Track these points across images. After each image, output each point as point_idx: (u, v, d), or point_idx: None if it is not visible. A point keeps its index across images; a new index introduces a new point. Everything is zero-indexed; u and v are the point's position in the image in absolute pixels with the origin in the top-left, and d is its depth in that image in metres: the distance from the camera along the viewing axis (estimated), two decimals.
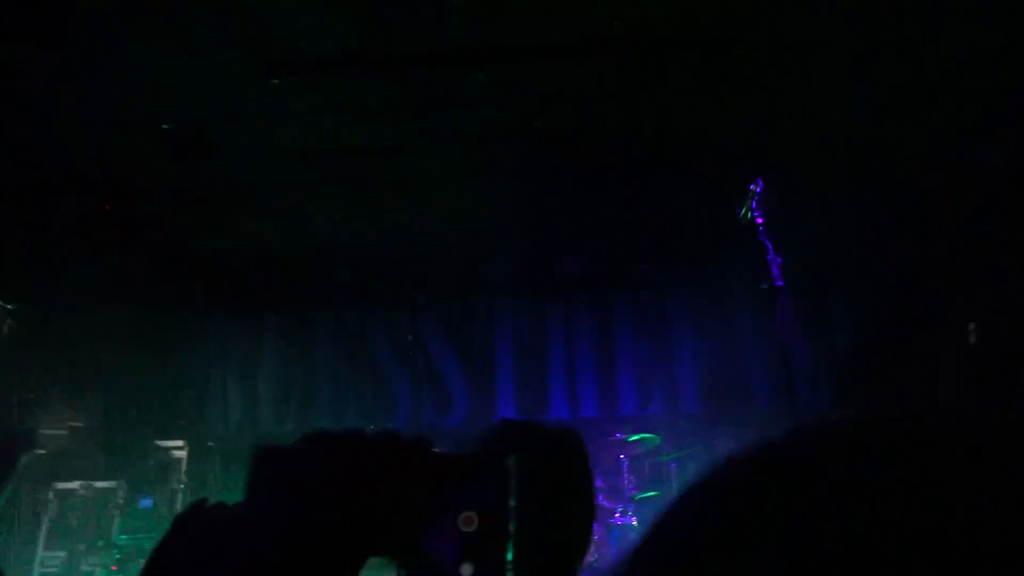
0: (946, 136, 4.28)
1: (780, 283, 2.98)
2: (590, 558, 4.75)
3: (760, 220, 3.13)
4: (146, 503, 4.17)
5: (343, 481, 0.53)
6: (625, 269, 6.08)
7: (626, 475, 4.86)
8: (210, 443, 4.57)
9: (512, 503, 0.54)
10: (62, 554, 3.73)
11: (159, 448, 4.32)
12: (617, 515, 4.72)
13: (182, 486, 4.29)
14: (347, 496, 0.53)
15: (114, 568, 3.77)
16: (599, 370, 6.08)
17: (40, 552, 3.71)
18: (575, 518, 1.38)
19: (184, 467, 4.34)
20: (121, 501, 3.95)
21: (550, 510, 1.40)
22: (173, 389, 5.17)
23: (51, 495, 3.85)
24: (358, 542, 0.52)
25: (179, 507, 4.25)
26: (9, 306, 3.78)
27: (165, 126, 3.86)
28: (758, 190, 3.17)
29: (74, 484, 3.92)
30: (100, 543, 3.79)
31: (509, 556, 0.53)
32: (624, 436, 4.87)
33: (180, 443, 4.38)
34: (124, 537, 3.83)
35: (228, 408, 5.57)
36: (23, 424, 3.98)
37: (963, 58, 3.55)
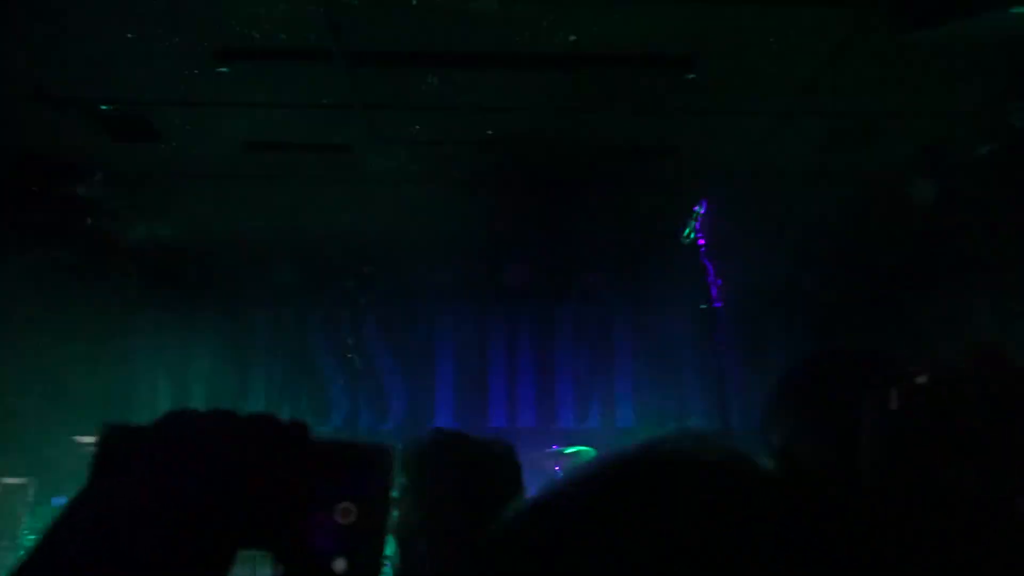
0: (882, 173, 4.49)
1: (719, 304, 3.06)
2: None
3: (702, 241, 3.20)
4: (59, 502, 3.97)
5: (206, 464, 0.49)
6: (568, 281, 6.14)
7: None
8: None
9: (393, 494, 0.52)
10: None
11: (78, 444, 4.12)
12: None
13: None
14: (210, 481, 0.48)
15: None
16: (539, 381, 6.11)
17: None
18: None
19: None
20: (31, 499, 3.75)
21: (470, 514, 1.38)
22: (97, 383, 4.95)
23: None
24: (222, 532, 0.48)
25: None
26: None
27: (103, 107, 3.72)
28: (702, 211, 3.25)
29: None
30: (4, 542, 3.59)
31: (387, 551, 0.51)
32: (560, 448, 4.90)
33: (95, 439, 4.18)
34: (32, 537, 3.64)
35: (156, 404, 5.38)
36: None
37: (898, 105, 3.73)
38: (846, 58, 3.30)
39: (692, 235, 3.30)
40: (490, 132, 4.06)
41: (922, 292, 4.92)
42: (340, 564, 0.49)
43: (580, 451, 4.99)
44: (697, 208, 3.29)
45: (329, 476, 0.51)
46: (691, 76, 3.42)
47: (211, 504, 0.48)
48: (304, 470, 0.51)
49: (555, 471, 4.95)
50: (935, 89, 3.56)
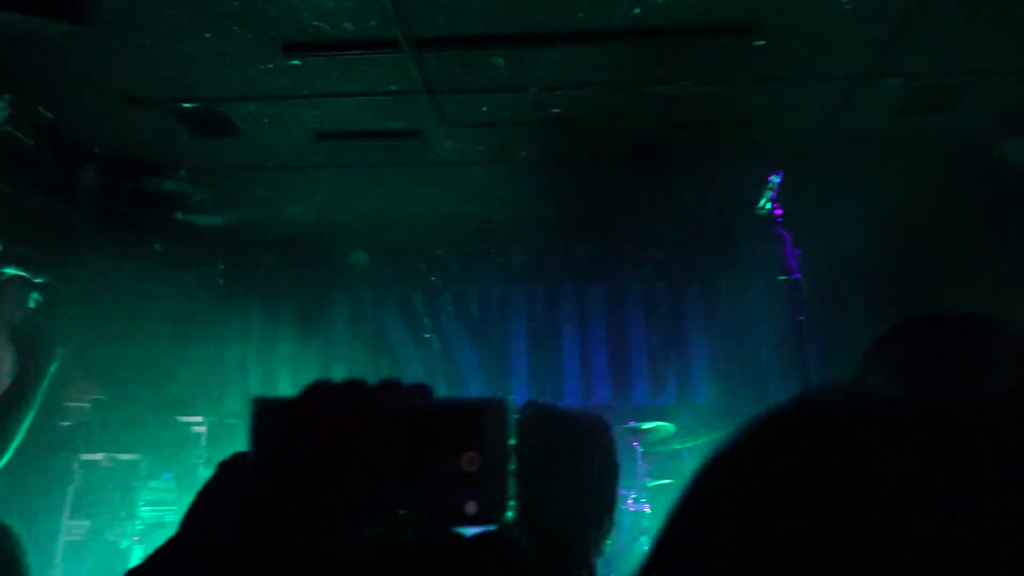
0: (965, 137, 4.23)
1: (797, 275, 2.97)
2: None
3: (778, 212, 3.11)
4: (167, 477, 4.27)
5: (340, 432, 0.54)
6: (640, 256, 6.08)
7: (639, 462, 4.89)
8: (229, 420, 4.66)
9: (512, 443, 0.56)
10: (87, 523, 3.84)
11: (180, 424, 4.42)
12: (630, 502, 4.76)
13: (202, 461, 4.39)
14: (345, 447, 0.53)
15: (136, 539, 3.88)
16: (612, 357, 6.10)
17: (66, 520, 3.83)
18: (590, 495, 1.39)
19: (204, 442, 4.44)
20: (143, 474, 4.06)
21: (560, 473, 1.39)
22: (194, 367, 5.27)
23: (76, 466, 3.96)
24: (369, 491, 0.53)
25: (199, 482, 4.34)
26: (37, 280, 3.87)
27: (185, 105, 3.90)
28: (777, 181, 3.16)
29: (98, 456, 4.02)
30: (123, 514, 3.90)
31: (511, 494, 0.55)
32: (637, 423, 4.90)
33: (200, 419, 4.48)
34: (146, 509, 3.94)
35: (247, 386, 5.67)
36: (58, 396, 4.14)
37: (987, 63, 3.50)
38: (925, 15, 3.13)
39: (768, 206, 3.21)
40: (557, 111, 4.05)
41: (1012, 261, 4.64)
42: (471, 507, 0.54)
43: (658, 426, 4.98)
44: (772, 177, 3.20)
45: (452, 429, 0.56)
46: (760, 43, 3.31)
47: (357, 464, 0.53)
48: (430, 425, 0.56)
49: (633, 446, 4.95)
50: (1021, 46, 3.33)
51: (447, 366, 6.08)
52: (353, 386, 0.59)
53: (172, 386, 4.68)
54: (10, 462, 3.78)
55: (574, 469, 1.41)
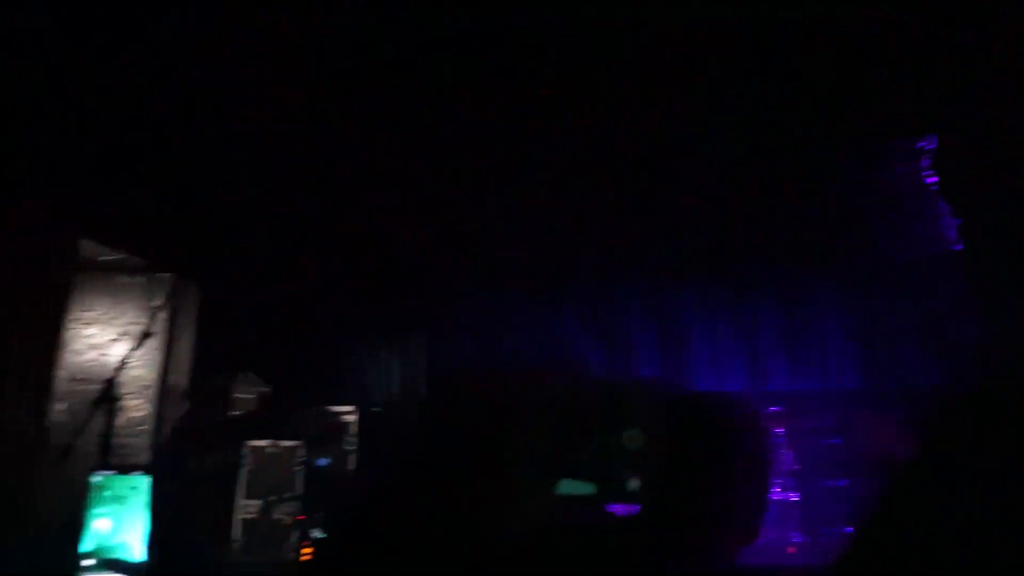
0: None
1: (958, 247, 2.79)
2: None
3: (932, 180, 2.93)
4: (322, 462, 4.61)
5: (514, 410, 0.56)
6: (765, 238, 5.85)
7: (783, 451, 4.75)
8: (374, 408, 4.95)
9: (670, 423, 0.58)
10: (258, 502, 4.22)
11: (332, 413, 4.76)
12: (776, 491, 4.63)
13: (353, 447, 4.70)
14: (519, 424, 0.55)
15: (300, 517, 4.22)
16: (745, 343, 5.93)
17: (240, 500, 4.22)
18: (737, 482, 1.38)
19: (354, 430, 4.74)
20: (303, 459, 4.40)
21: (709, 459, 1.38)
22: (343, 360, 5.65)
23: (246, 451, 4.35)
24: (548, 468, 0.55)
25: (351, 466, 4.65)
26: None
27: None
28: (930, 147, 2.97)
29: (264, 442, 4.40)
30: (288, 495, 4.25)
31: (669, 472, 0.57)
32: (779, 410, 4.75)
33: (350, 408, 4.79)
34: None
35: (390, 377, 5.98)
36: (223, 387, 4.58)
37: None
38: None
39: (919, 174, 3.03)
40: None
41: None
42: (633, 484, 0.57)
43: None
44: (924, 144, 3.01)
45: (611, 409, 0.58)
46: None
47: (530, 440, 0.56)
48: (595, 406, 0.57)
49: (775, 434, 4.81)
50: None
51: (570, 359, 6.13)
52: (522, 366, 0.62)
53: (325, 380, 5.03)
54: (195, 449, 4.20)
55: (718, 463, 1.39)
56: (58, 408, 4.11)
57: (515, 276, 6.29)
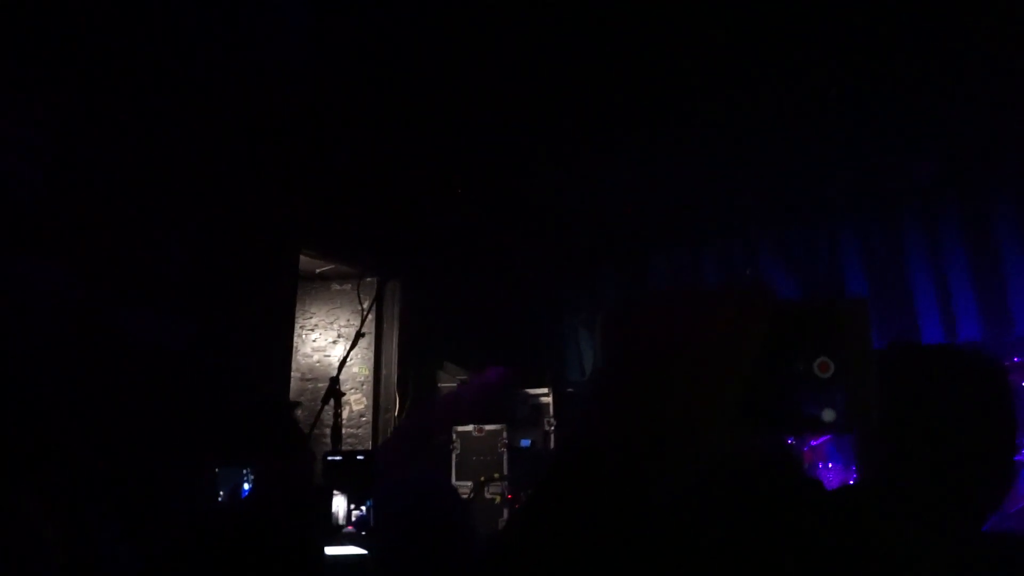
0: None
1: None
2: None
3: None
4: (525, 443, 4.80)
5: (697, 335, 0.51)
6: (1002, 156, 5.04)
7: None
8: (569, 389, 5.06)
9: (867, 348, 0.51)
10: (469, 483, 4.51)
11: (530, 396, 4.95)
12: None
13: (552, 427, 4.84)
14: (702, 350, 0.50)
15: (509, 496, 4.44)
16: (979, 284, 5.19)
17: (454, 481, 4.54)
18: (973, 456, 1.20)
19: (551, 411, 4.89)
20: (506, 441, 4.61)
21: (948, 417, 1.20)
22: (538, 344, 5.84)
23: (455, 436, 4.66)
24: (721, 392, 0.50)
25: (551, 445, 4.81)
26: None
27: None
28: None
29: (469, 427, 4.68)
30: (496, 475, 4.49)
31: (874, 402, 0.50)
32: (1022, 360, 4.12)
33: (546, 391, 4.94)
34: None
35: (581, 356, 6.08)
36: (432, 378, 4.97)
37: None
38: None
39: None
40: None
41: None
42: (828, 415, 0.51)
43: None
44: None
45: (803, 332, 0.52)
46: None
47: (713, 369, 0.51)
48: (780, 328, 0.52)
49: (1022, 387, 4.17)
50: None
51: None
52: (699, 288, 0.54)
53: (522, 364, 5.23)
54: (407, 437, 4.55)
55: (954, 423, 1.21)
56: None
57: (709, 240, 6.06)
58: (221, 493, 2.74)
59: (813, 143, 4.95)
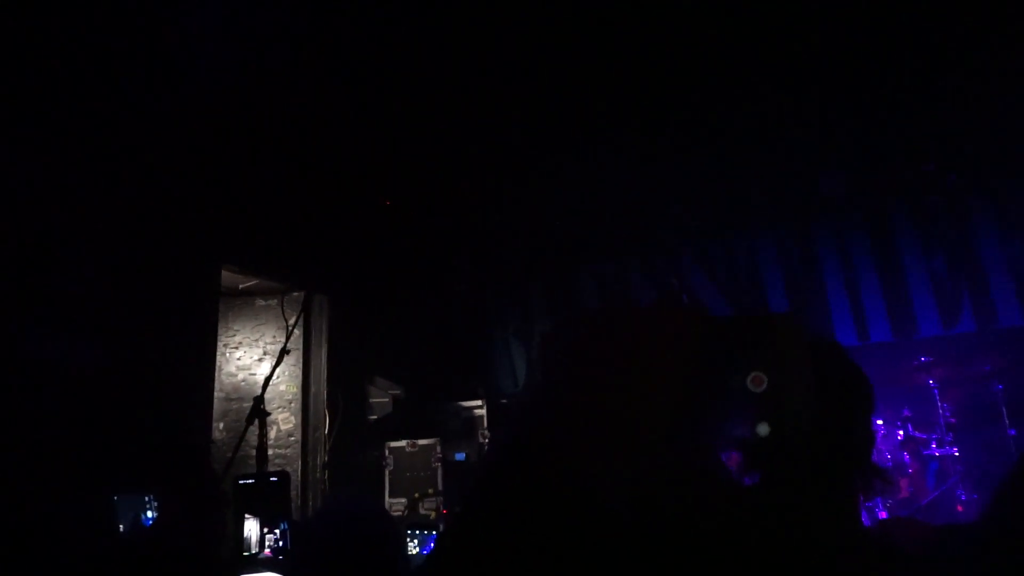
0: None
1: None
2: (905, 494, 4.38)
3: None
4: (459, 456, 4.76)
5: (630, 353, 0.52)
6: (904, 174, 5.36)
7: (939, 402, 4.36)
8: (503, 400, 5.05)
9: (801, 361, 0.52)
10: (404, 500, 4.43)
11: (463, 408, 4.91)
12: (933, 446, 4.27)
13: (486, 440, 4.82)
14: (635, 368, 0.51)
15: (444, 511, 4.38)
16: (887, 289, 5.48)
17: (387, 498, 4.44)
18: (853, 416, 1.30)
19: (485, 423, 4.87)
20: (440, 455, 4.56)
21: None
22: (467, 356, 5.80)
23: (387, 451, 4.58)
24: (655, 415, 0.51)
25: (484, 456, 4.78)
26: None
27: None
28: None
29: (402, 442, 4.60)
30: (430, 491, 4.43)
31: (802, 415, 0.50)
32: (930, 360, 4.37)
33: (479, 403, 4.92)
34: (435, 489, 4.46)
35: (514, 368, 6.09)
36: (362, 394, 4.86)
37: None
38: None
39: None
40: None
41: None
42: (763, 428, 0.51)
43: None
44: None
45: (735, 348, 0.53)
46: None
47: (648, 387, 0.51)
48: (712, 345, 0.53)
49: (929, 385, 4.42)
50: None
51: None
52: (635, 308, 0.55)
53: (451, 377, 5.19)
54: (338, 455, 4.44)
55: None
56: (220, 427, 4.52)
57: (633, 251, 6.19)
58: (121, 524, 2.59)
59: (734, 159, 5.13)
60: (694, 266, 5.97)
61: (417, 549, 2.71)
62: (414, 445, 4.62)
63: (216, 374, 4.67)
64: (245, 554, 2.43)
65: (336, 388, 4.92)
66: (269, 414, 4.14)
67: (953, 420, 4.24)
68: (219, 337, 4.76)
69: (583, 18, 3.65)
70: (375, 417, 5.00)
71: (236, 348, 5.21)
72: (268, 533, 2.87)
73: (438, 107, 4.34)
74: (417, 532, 2.78)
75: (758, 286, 5.82)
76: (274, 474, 2.88)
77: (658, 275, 6.06)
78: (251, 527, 2.87)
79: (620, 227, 6.02)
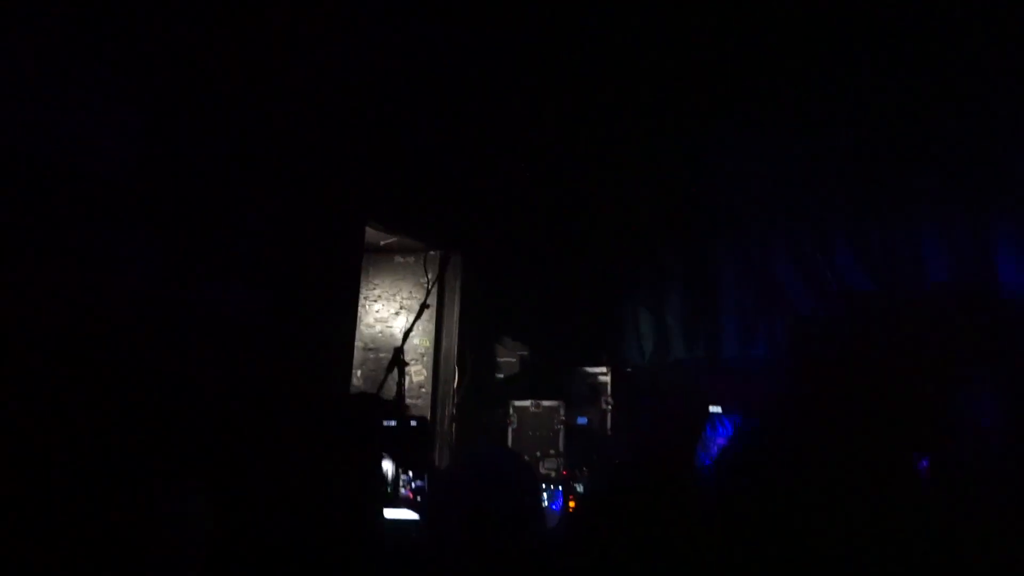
0: None
1: None
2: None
3: None
4: (582, 420, 4.84)
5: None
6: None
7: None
8: (628, 369, 5.06)
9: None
10: (525, 458, 4.59)
11: (588, 374, 4.98)
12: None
13: (609, 406, 4.86)
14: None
15: (564, 473, 4.50)
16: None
17: None
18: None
19: (609, 390, 4.91)
20: (563, 418, 4.67)
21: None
22: (596, 323, 5.85)
23: (511, 411, 4.73)
24: None
25: (608, 424, 4.83)
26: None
27: None
28: None
29: (526, 402, 4.74)
30: (552, 451, 4.55)
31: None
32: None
33: (604, 370, 4.96)
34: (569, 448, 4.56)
35: (641, 339, 6.04)
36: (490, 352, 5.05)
37: None
38: None
39: None
40: None
41: None
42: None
43: None
44: None
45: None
46: None
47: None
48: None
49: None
50: None
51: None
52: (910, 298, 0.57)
53: (580, 343, 5.26)
54: (465, 410, 4.65)
55: None
56: (357, 375, 4.85)
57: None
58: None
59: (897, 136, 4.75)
60: (846, 245, 5.56)
61: (546, 503, 2.80)
62: (538, 406, 4.75)
63: (356, 325, 4.99)
64: (388, 491, 2.61)
65: (466, 345, 5.11)
66: (408, 364, 4.39)
67: None
68: (360, 290, 5.07)
69: None
70: (502, 376, 5.16)
71: (376, 301, 5.53)
72: (403, 475, 3.06)
73: (581, 73, 4.32)
74: (545, 487, 2.88)
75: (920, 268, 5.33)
76: (415, 418, 3.04)
77: (803, 251, 5.72)
78: (389, 467, 3.07)
79: (764, 199, 5.76)
